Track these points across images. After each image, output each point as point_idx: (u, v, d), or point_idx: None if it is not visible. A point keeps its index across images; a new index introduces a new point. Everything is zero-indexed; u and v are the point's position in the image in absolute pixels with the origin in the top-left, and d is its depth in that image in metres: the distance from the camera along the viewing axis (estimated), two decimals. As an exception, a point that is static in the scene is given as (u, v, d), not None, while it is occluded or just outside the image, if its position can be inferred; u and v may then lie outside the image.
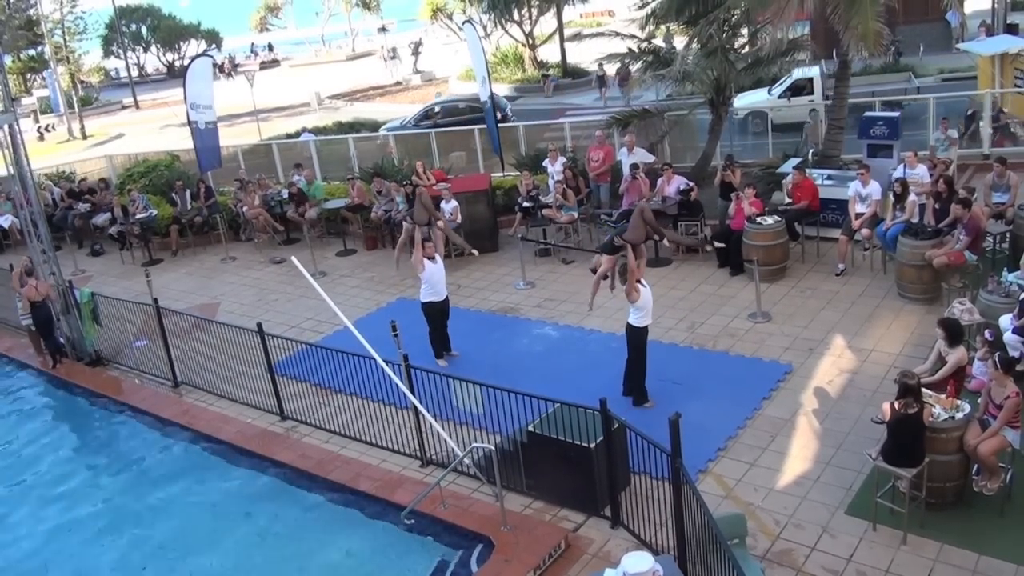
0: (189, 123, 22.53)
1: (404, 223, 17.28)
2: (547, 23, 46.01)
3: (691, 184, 17.16)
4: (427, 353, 13.54)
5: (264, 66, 67.63)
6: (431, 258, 13.44)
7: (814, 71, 25.68)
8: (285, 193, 21.12)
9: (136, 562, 10.64)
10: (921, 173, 15.42)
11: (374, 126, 32.52)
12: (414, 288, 16.63)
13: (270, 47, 77.87)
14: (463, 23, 26.09)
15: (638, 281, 11.44)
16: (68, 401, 15.15)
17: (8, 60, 54.46)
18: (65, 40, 55.83)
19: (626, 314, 11.71)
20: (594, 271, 13.51)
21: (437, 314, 13.74)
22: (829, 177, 16.92)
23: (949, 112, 19.70)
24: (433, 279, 13.46)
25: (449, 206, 17.94)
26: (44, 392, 15.66)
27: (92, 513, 11.84)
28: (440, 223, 16.67)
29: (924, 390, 9.15)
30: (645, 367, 11.89)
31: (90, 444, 13.93)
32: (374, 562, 9.92)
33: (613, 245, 12.35)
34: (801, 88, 25.76)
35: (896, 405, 8.82)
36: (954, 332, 10.06)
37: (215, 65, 53.68)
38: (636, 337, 11.71)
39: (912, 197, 14.60)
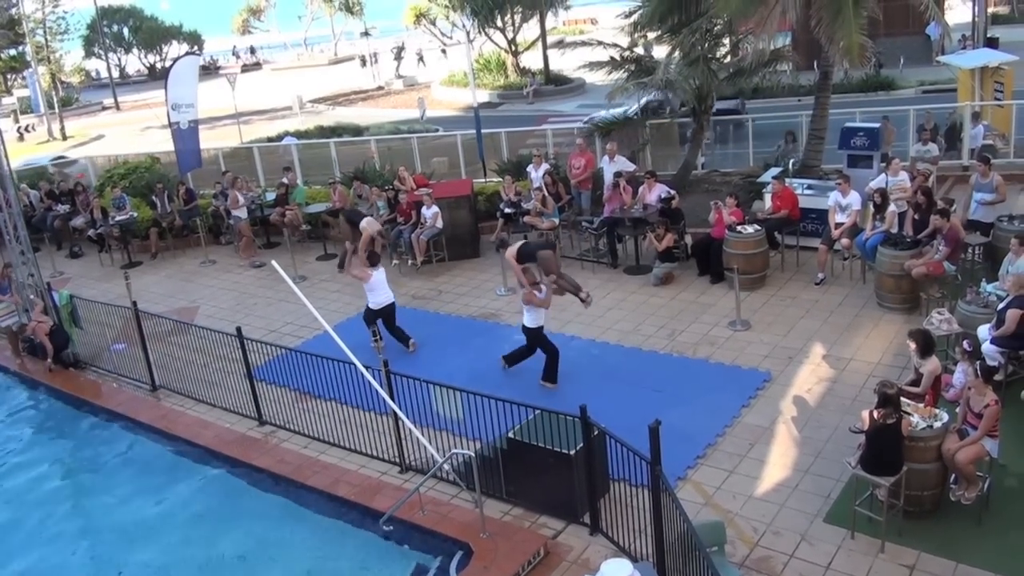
0: (170, 124, 22.46)
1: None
2: (530, 30, 46.09)
3: (672, 192, 17.20)
4: (407, 358, 13.55)
5: (246, 69, 67.37)
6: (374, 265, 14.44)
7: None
8: (270, 195, 21.09)
9: (111, 566, 10.57)
10: (904, 179, 15.55)
11: (356, 130, 32.48)
12: (395, 293, 16.62)
13: (252, 50, 77.64)
14: (452, 28, 26.19)
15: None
16: (46, 404, 15.03)
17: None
18: (46, 40, 55.54)
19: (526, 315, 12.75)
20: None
21: (390, 314, 14.48)
22: (809, 187, 17.01)
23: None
24: (378, 285, 14.34)
25: (430, 212, 17.92)
26: (21, 395, 15.52)
27: (65, 517, 11.76)
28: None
29: (902, 399, 9.20)
30: (556, 352, 12.86)
31: (67, 449, 13.80)
32: (352, 568, 9.88)
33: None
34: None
35: (875, 414, 8.86)
36: (925, 343, 10.10)
37: (205, 66, 53.57)
38: (533, 336, 12.91)
39: (892, 207, 14.70)
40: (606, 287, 16.24)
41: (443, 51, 54.72)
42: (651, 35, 21.68)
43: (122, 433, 13.48)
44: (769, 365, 12.77)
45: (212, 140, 31.87)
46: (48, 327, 15.31)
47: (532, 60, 45.32)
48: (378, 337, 14.30)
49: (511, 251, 13.21)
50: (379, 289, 14.33)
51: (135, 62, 74.99)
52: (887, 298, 14.03)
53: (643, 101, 26.19)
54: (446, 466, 10.10)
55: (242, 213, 20.48)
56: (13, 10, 51.36)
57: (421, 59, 55.00)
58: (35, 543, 11.30)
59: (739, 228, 15.41)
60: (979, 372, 9.18)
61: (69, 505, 12.10)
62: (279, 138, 31.09)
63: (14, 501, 12.31)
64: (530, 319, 12.69)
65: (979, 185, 15.02)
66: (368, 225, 14.95)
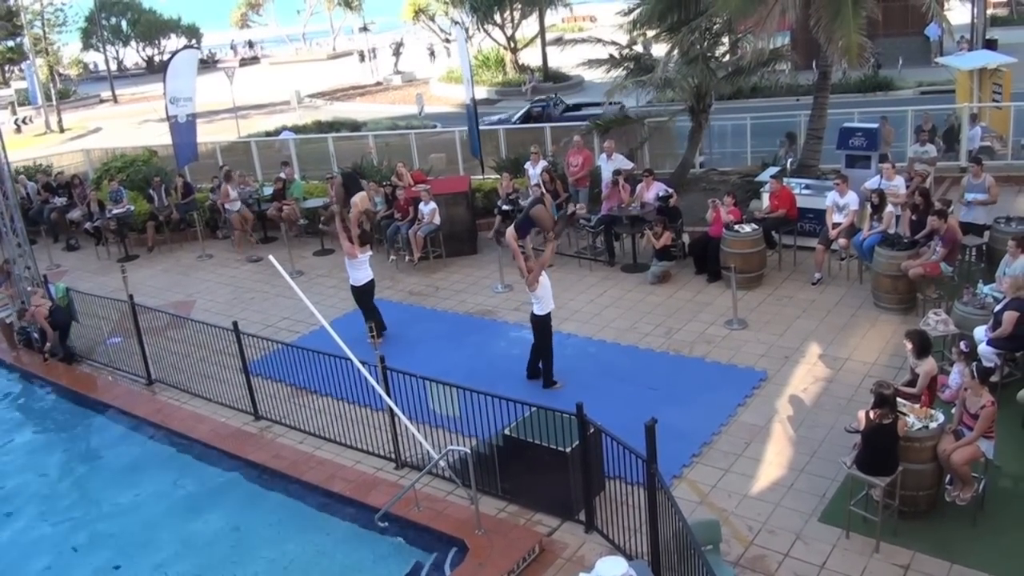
0: (168, 118, 22.45)
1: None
2: (529, 27, 46.06)
3: (670, 191, 17.20)
4: (404, 354, 13.51)
5: (244, 63, 67.27)
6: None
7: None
8: (267, 190, 21.10)
9: (108, 561, 10.56)
10: (898, 184, 15.56)
11: (354, 126, 32.44)
12: (391, 289, 16.67)
13: (250, 44, 77.54)
14: (452, 24, 26.27)
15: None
16: (41, 397, 15.01)
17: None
18: (44, 32, 55.39)
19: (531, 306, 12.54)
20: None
21: (372, 291, 14.75)
22: (807, 187, 17.01)
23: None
24: (361, 265, 14.52)
25: (428, 208, 17.90)
26: (16, 388, 15.50)
27: (59, 511, 11.74)
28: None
29: (898, 399, 9.21)
30: (551, 351, 12.72)
31: (61, 442, 13.80)
32: (347, 564, 9.87)
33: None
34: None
35: (871, 415, 8.87)
36: (921, 344, 10.11)
37: (203, 60, 53.52)
38: (541, 325, 12.52)
39: (889, 208, 14.70)
40: (603, 285, 16.24)
41: (446, 47, 54.63)
42: (650, 33, 21.65)
43: (117, 427, 13.47)
44: (765, 364, 12.77)
45: (210, 134, 31.86)
46: (46, 309, 15.22)
47: (531, 57, 45.30)
48: (374, 333, 14.26)
49: (510, 231, 13.00)
50: (362, 267, 14.47)
51: (133, 55, 74.87)
52: (884, 298, 14.04)
53: (525, 109, 28.94)
54: (442, 463, 10.10)
55: (234, 206, 20.52)
56: (11, 1, 51.27)
57: (432, 53, 54.77)
58: (30, 536, 11.29)
59: (737, 227, 15.41)
60: (975, 373, 9.19)
61: (63, 498, 12.06)
62: (276, 132, 31.06)
63: (8, 494, 12.29)
64: (539, 307, 12.39)
65: (971, 186, 15.05)
66: (360, 201, 14.91)
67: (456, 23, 24.59)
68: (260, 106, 45.27)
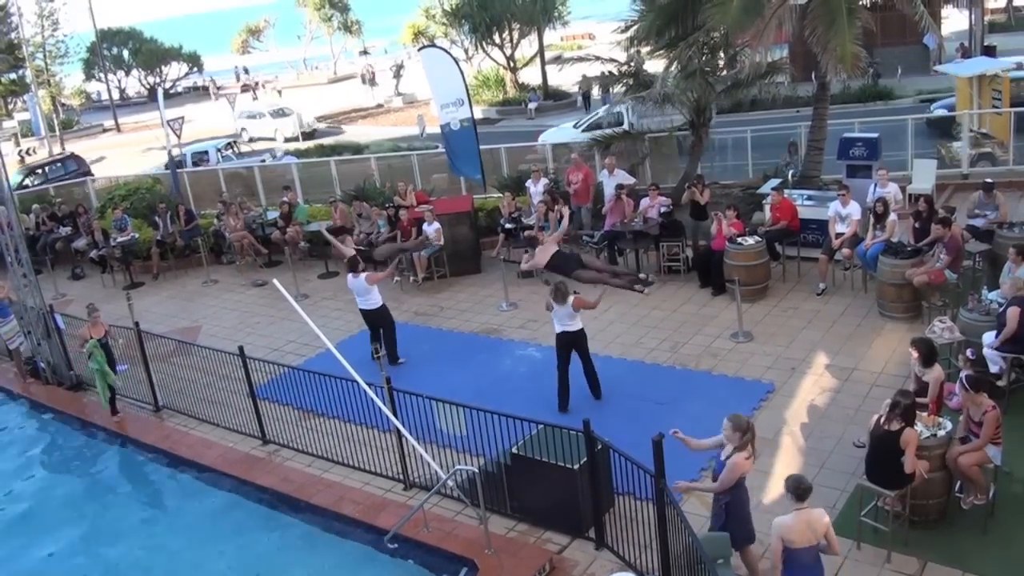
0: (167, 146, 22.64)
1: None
2: (528, 46, 46.23)
3: (671, 205, 17.20)
4: (409, 375, 13.52)
5: (245, 89, 67.52)
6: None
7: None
8: (272, 214, 21.21)
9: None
10: (892, 191, 15.57)
11: (356, 148, 32.56)
12: (396, 310, 16.66)
13: (246, 71, 77.89)
14: (419, 49, 26.33)
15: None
16: (50, 425, 15.03)
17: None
18: (47, 63, 55.69)
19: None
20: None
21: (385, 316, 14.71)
22: (809, 197, 17.02)
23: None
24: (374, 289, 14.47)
25: (431, 228, 17.94)
26: (26, 417, 15.52)
27: (66, 539, 11.75)
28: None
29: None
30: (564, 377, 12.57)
31: (69, 470, 13.81)
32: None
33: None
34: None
35: (881, 419, 8.82)
36: (928, 352, 10.06)
37: (201, 87, 53.88)
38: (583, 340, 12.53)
39: (892, 217, 14.71)
40: (607, 300, 16.15)
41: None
42: (645, 49, 21.72)
43: (125, 454, 13.50)
44: (772, 376, 12.76)
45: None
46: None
47: (531, 76, 45.46)
48: (379, 353, 14.28)
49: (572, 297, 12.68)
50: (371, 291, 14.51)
51: (135, 83, 75.25)
52: (889, 307, 14.02)
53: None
54: (450, 482, 10.08)
55: (236, 232, 20.72)
56: (13, 34, 51.61)
57: (397, 75, 54.85)
58: (41, 564, 11.28)
59: (740, 239, 15.42)
60: (966, 385, 9.13)
61: (71, 526, 12.05)
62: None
63: (15, 524, 12.29)
64: (575, 323, 12.39)
65: (981, 204, 14.95)
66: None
67: (423, 48, 24.35)
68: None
